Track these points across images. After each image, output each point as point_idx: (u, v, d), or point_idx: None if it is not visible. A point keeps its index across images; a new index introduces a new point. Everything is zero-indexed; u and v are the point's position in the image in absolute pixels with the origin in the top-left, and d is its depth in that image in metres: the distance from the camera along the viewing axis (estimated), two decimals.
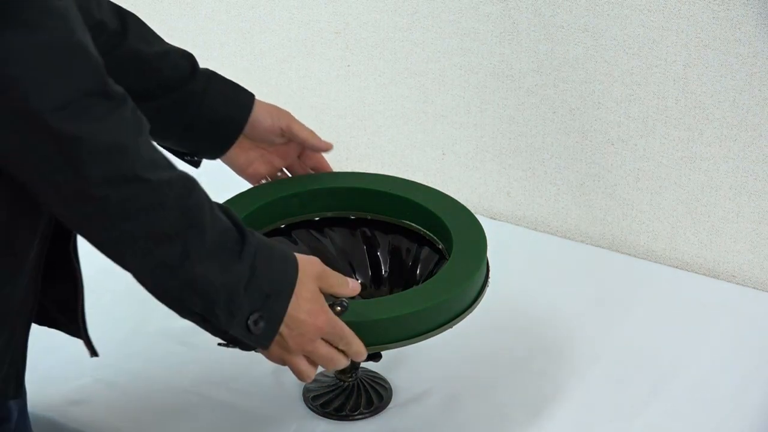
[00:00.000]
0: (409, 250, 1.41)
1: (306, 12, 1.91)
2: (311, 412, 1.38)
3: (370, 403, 1.39)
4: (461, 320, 1.26)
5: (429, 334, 1.23)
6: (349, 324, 1.15)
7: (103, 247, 0.98)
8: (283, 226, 1.42)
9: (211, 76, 1.36)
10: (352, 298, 1.18)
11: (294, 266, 1.08)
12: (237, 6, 1.97)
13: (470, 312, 1.26)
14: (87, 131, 0.92)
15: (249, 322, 1.04)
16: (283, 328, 1.08)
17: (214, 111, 1.35)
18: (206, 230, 1.00)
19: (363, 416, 1.38)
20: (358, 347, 1.16)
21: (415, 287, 1.27)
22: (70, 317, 1.13)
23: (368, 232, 1.44)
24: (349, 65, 1.90)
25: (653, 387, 1.43)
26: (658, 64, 1.63)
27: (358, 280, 1.42)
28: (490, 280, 1.31)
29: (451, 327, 1.25)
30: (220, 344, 1.09)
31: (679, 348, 1.51)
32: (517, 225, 1.82)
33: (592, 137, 1.73)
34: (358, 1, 1.85)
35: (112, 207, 0.95)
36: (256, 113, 1.38)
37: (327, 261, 1.41)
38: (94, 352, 1.15)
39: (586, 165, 1.75)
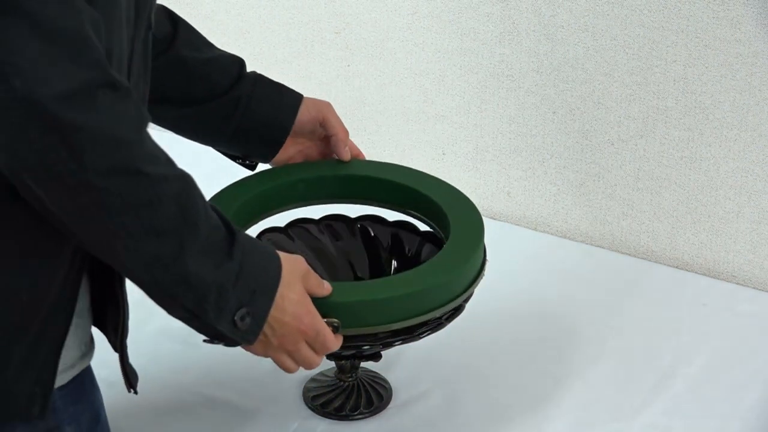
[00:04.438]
0: (410, 249, 1.41)
1: (306, 12, 1.91)
2: (311, 412, 1.38)
3: (370, 403, 1.39)
4: (454, 307, 1.25)
5: (419, 318, 1.21)
6: (337, 304, 1.16)
7: (98, 241, 0.97)
8: (283, 225, 1.42)
9: (258, 79, 1.37)
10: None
11: (277, 264, 1.09)
12: (237, 6, 1.97)
13: (462, 301, 1.25)
14: (91, 122, 0.91)
15: (236, 317, 1.05)
16: (266, 328, 1.08)
17: (260, 115, 1.36)
18: (200, 228, 1.00)
19: (363, 416, 1.38)
20: (335, 349, 1.17)
21: (407, 271, 1.26)
22: (113, 343, 1.12)
23: (369, 231, 1.44)
24: (349, 65, 1.90)
25: (653, 387, 1.43)
26: (658, 64, 1.64)
27: (361, 279, 1.42)
28: (485, 272, 1.29)
29: (444, 315, 1.24)
30: (205, 341, 1.09)
31: (679, 348, 1.51)
32: (517, 225, 1.82)
33: (592, 137, 1.73)
34: (358, 1, 1.85)
35: (111, 199, 0.94)
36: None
37: (327, 261, 1.42)
38: (130, 386, 1.14)
39: (586, 165, 1.75)
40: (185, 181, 1.00)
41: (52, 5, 0.90)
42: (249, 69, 1.40)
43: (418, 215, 1.40)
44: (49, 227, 0.98)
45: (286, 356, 1.13)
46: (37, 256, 0.99)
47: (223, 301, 1.03)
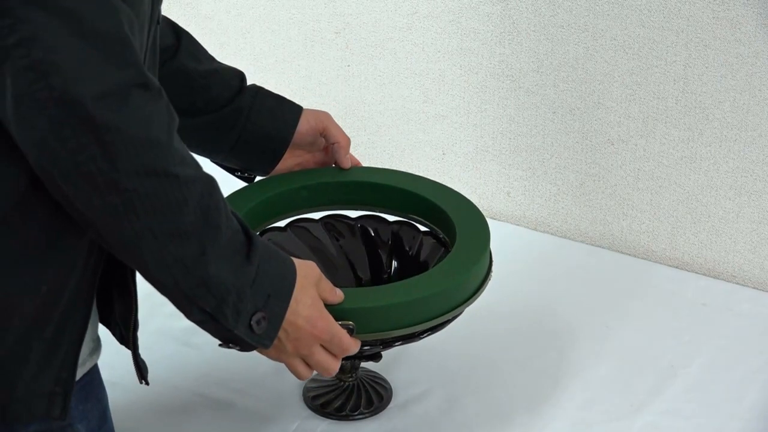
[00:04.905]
0: (411, 249, 1.41)
1: (306, 12, 1.91)
2: (311, 412, 1.38)
3: (370, 403, 1.39)
4: (461, 311, 1.26)
5: (429, 323, 1.23)
6: (347, 310, 1.16)
7: (121, 242, 0.97)
8: (283, 225, 1.42)
9: (258, 91, 1.38)
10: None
11: (292, 269, 1.10)
12: (237, 6, 1.97)
13: (469, 304, 1.26)
14: (125, 122, 0.92)
15: (252, 321, 1.05)
16: (281, 332, 1.09)
17: (260, 127, 1.37)
18: (222, 231, 1.01)
19: (363, 416, 1.38)
20: (353, 351, 1.17)
21: (415, 276, 1.27)
22: (127, 336, 1.13)
23: (369, 230, 1.44)
24: (349, 65, 1.90)
25: (653, 387, 1.43)
26: (658, 64, 1.63)
27: (362, 279, 1.42)
28: (492, 273, 1.31)
29: (451, 318, 1.25)
30: (221, 345, 1.10)
31: (679, 348, 1.51)
32: (517, 225, 1.82)
33: (592, 137, 1.73)
34: (358, 1, 1.85)
35: (139, 200, 0.95)
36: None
37: (327, 260, 1.42)
38: (141, 377, 1.15)
39: (586, 165, 1.75)
40: (210, 183, 1.01)
41: (92, 5, 0.91)
42: (250, 69, 1.41)
43: (423, 220, 1.40)
44: (68, 219, 0.98)
45: (300, 361, 1.14)
46: (57, 249, 0.99)
47: (242, 304, 1.04)
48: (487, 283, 1.29)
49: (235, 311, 1.04)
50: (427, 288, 1.22)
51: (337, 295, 1.17)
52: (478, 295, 1.27)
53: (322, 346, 1.14)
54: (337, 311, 1.15)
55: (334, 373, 1.17)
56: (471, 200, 1.40)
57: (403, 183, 1.42)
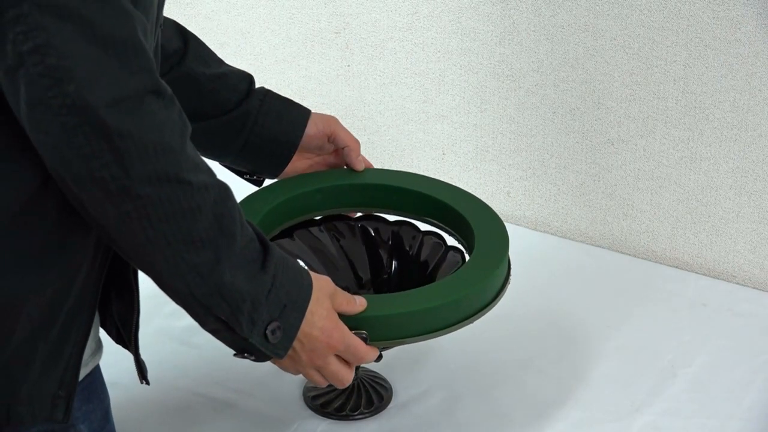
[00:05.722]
0: (411, 248, 1.41)
1: (306, 12, 1.91)
2: (311, 412, 1.38)
3: (370, 403, 1.39)
4: (480, 317, 1.26)
5: (448, 329, 1.22)
6: (368, 318, 1.16)
7: (135, 249, 0.97)
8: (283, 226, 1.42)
9: (266, 94, 1.38)
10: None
11: (308, 281, 1.10)
12: (237, 6, 1.97)
13: (490, 309, 1.26)
14: (138, 128, 0.92)
15: (267, 331, 1.05)
16: (296, 343, 1.09)
17: (268, 130, 1.36)
18: (237, 239, 1.01)
19: (363, 416, 1.38)
20: (370, 360, 1.17)
21: (435, 282, 1.26)
22: (128, 336, 1.12)
23: (369, 230, 1.44)
24: (349, 65, 1.90)
25: (653, 387, 1.43)
26: (658, 64, 1.63)
27: (362, 279, 1.42)
28: (511, 277, 1.30)
29: (470, 323, 1.25)
30: (235, 355, 1.10)
31: (679, 348, 1.51)
32: (517, 225, 1.82)
33: (592, 137, 1.73)
34: (358, 1, 1.85)
35: (153, 207, 0.95)
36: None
37: (327, 260, 1.42)
38: (142, 377, 1.15)
39: (586, 165, 1.75)
40: (224, 191, 1.01)
41: (106, 11, 0.91)
42: (250, 69, 1.41)
43: (439, 223, 1.40)
44: (75, 221, 0.98)
45: (315, 371, 1.14)
46: (64, 250, 0.99)
47: (257, 313, 1.04)
48: (505, 289, 1.29)
49: (250, 320, 1.03)
50: (444, 296, 1.22)
51: (357, 304, 1.16)
52: (497, 302, 1.27)
53: (336, 356, 1.14)
54: (353, 319, 1.15)
55: (348, 384, 1.16)
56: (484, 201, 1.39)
57: (417, 185, 1.42)
